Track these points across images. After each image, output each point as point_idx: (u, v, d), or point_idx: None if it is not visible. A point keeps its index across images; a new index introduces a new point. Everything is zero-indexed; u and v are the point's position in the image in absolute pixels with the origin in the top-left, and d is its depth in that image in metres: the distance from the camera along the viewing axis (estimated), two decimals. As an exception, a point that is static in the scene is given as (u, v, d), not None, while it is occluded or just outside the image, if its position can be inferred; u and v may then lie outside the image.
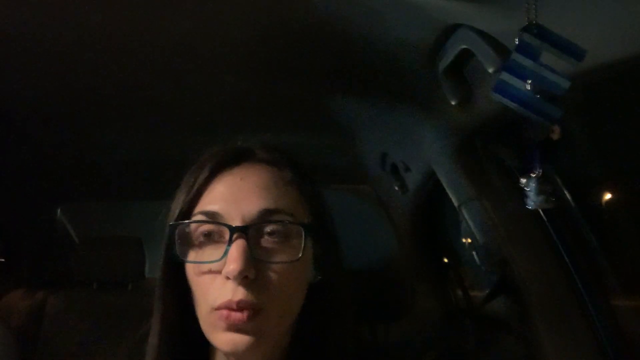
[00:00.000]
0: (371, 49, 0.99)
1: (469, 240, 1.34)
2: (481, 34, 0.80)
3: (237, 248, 0.60)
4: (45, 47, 0.99)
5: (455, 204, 1.23)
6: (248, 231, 0.61)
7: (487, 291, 1.33)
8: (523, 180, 0.68)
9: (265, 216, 0.63)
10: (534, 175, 0.67)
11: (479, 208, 1.14)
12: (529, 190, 0.67)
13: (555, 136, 0.69)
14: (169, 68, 1.10)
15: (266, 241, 0.63)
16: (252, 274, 0.60)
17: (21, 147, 1.51)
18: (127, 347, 0.73)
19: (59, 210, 2.10)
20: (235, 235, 0.61)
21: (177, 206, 0.67)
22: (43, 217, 2.02)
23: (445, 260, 1.78)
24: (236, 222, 0.62)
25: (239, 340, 0.60)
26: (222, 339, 0.62)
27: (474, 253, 1.28)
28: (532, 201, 0.67)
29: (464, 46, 0.84)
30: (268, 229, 0.63)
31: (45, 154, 1.60)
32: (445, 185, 1.24)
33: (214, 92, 1.25)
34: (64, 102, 1.26)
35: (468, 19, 0.80)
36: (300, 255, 0.62)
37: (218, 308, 0.61)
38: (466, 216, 1.23)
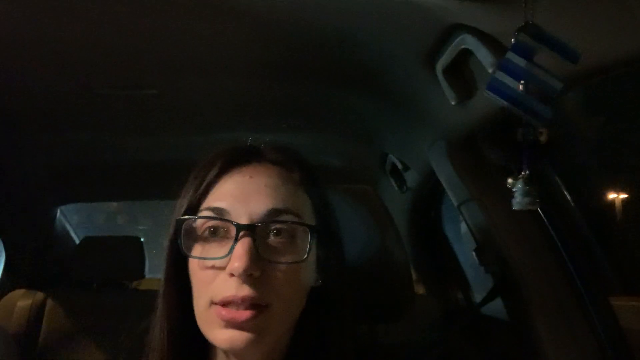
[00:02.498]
0: (371, 49, 0.99)
1: (469, 240, 1.34)
2: (481, 34, 0.80)
3: (242, 246, 0.60)
4: (45, 47, 0.99)
5: (455, 204, 1.24)
6: (255, 230, 0.62)
7: (486, 291, 1.33)
8: (510, 181, 0.68)
9: (273, 215, 0.63)
10: (520, 177, 0.67)
11: (479, 208, 1.14)
12: (515, 191, 0.68)
13: (543, 138, 0.70)
14: (169, 69, 1.10)
15: (272, 240, 0.63)
16: (257, 272, 0.60)
17: (21, 147, 1.51)
18: (127, 346, 0.72)
19: (59, 210, 2.10)
20: (241, 233, 0.61)
21: (183, 202, 0.67)
22: (43, 217, 2.02)
23: (445, 260, 1.78)
24: (243, 220, 0.62)
25: (238, 337, 0.60)
26: (220, 336, 0.61)
27: (473, 253, 1.28)
28: (518, 202, 0.68)
29: (464, 46, 0.84)
30: (275, 228, 0.63)
31: (45, 154, 1.60)
32: (445, 185, 1.24)
33: (215, 92, 1.25)
34: (64, 102, 1.26)
35: (468, 19, 0.80)
36: (305, 256, 0.62)
37: (219, 302, 0.61)
38: (466, 216, 1.23)
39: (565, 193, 1.14)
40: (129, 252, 1.83)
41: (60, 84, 1.16)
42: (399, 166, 1.53)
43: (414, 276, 1.69)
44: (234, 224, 0.62)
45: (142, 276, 1.82)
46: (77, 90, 1.19)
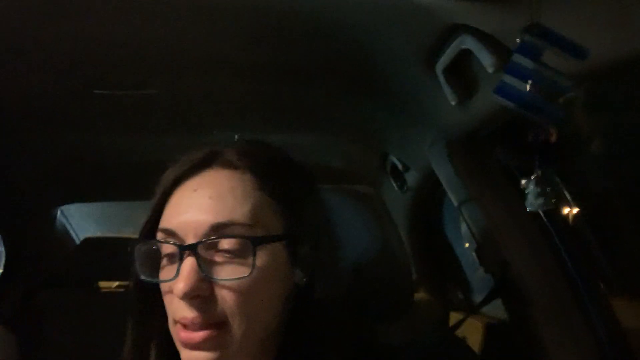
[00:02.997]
0: (371, 49, 0.99)
1: (469, 240, 1.34)
2: (481, 34, 0.80)
3: (185, 267, 0.59)
4: (45, 47, 0.99)
5: (455, 204, 1.23)
6: (196, 249, 0.60)
7: (486, 291, 1.33)
8: (523, 182, 0.68)
9: (217, 231, 0.60)
10: (533, 178, 0.67)
11: (479, 208, 1.14)
12: (528, 193, 0.67)
13: (553, 138, 0.69)
14: (169, 69, 1.10)
15: (219, 256, 0.61)
16: (204, 292, 0.59)
17: (21, 147, 1.51)
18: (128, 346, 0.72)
19: (59, 210, 2.10)
20: (185, 254, 0.60)
21: (143, 227, 0.67)
22: (43, 217, 2.02)
23: (445, 260, 1.78)
24: (189, 238, 0.61)
25: (198, 357, 0.60)
26: (184, 356, 0.61)
27: (473, 253, 1.28)
28: (531, 203, 0.67)
29: (464, 46, 0.84)
30: (219, 244, 0.61)
31: (45, 154, 1.60)
32: (445, 185, 1.24)
33: (215, 92, 1.25)
34: (64, 102, 1.26)
35: (468, 19, 0.80)
36: (248, 273, 0.59)
37: (177, 322, 0.61)
38: (466, 216, 1.23)
39: (566, 193, 1.14)
40: (129, 252, 1.82)
41: (60, 84, 1.16)
42: (399, 166, 1.53)
43: (414, 276, 1.69)
44: (177, 245, 0.61)
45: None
46: (77, 90, 1.19)
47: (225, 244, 0.60)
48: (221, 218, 0.61)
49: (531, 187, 0.66)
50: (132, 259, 0.65)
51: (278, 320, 0.64)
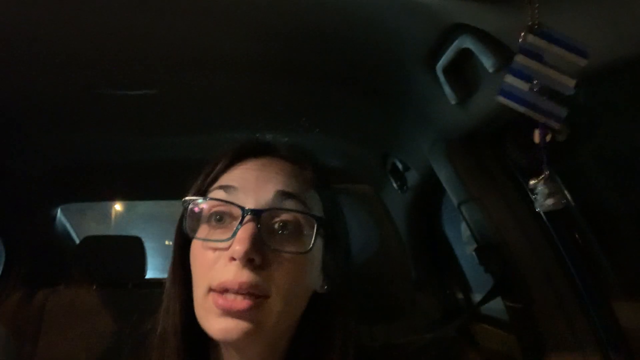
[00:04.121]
0: (371, 49, 0.99)
1: (469, 240, 1.34)
2: (481, 33, 0.80)
3: (246, 230, 0.59)
4: (45, 47, 0.99)
5: (455, 203, 1.23)
6: (260, 215, 0.60)
7: (486, 291, 1.33)
8: (531, 183, 0.67)
9: (280, 199, 0.61)
10: (541, 178, 0.66)
11: (479, 208, 1.14)
12: (536, 194, 0.66)
13: (562, 137, 0.69)
14: (169, 69, 1.10)
15: (278, 229, 0.61)
16: (258, 259, 0.59)
17: (21, 147, 1.51)
18: (128, 346, 0.72)
19: (59, 210, 2.10)
20: (247, 218, 0.60)
21: (194, 187, 0.66)
22: (43, 217, 2.02)
23: (445, 260, 1.78)
24: (250, 205, 0.61)
25: (234, 327, 0.58)
26: (216, 325, 0.59)
27: (473, 253, 1.28)
28: (541, 204, 0.66)
29: (464, 46, 0.84)
30: (281, 217, 0.61)
31: (45, 154, 1.60)
32: (445, 185, 1.24)
33: (215, 92, 1.25)
34: (64, 102, 1.26)
35: (468, 19, 0.80)
36: (310, 248, 0.60)
37: (216, 288, 0.59)
38: (466, 216, 1.23)
39: (566, 193, 1.14)
40: (129, 252, 1.83)
41: (61, 84, 1.16)
42: (399, 166, 1.53)
43: (414, 276, 1.69)
44: (240, 207, 0.60)
45: (143, 276, 1.82)
46: (77, 90, 1.19)
47: (288, 218, 0.61)
48: (286, 187, 0.62)
49: (540, 188, 0.66)
50: (182, 217, 0.64)
51: (300, 315, 0.65)
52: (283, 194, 0.62)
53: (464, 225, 1.30)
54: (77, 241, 2.20)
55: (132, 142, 1.61)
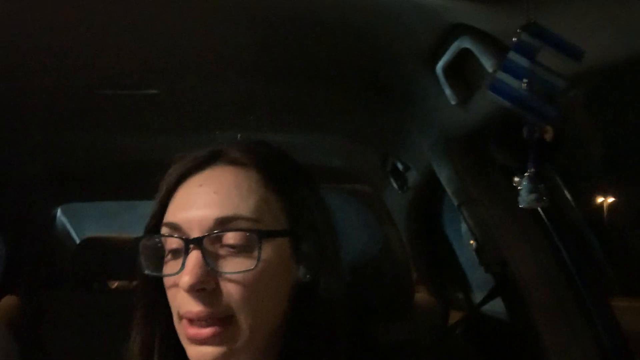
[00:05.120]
0: (371, 49, 0.99)
1: (469, 240, 1.34)
2: (481, 33, 0.80)
3: (190, 260, 0.59)
4: (45, 47, 0.99)
5: (455, 204, 1.24)
6: (202, 242, 0.60)
7: (486, 291, 1.33)
8: (516, 179, 0.68)
9: (222, 225, 0.61)
10: (526, 174, 0.67)
11: (479, 208, 1.14)
12: (521, 189, 0.67)
13: (549, 137, 0.69)
14: (169, 69, 1.10)
15: (224, 250, 0.61)
16: (210, 285, 0.59)
17: (21, 147, 1.51)
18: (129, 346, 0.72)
19: (59, 210, 2.10)
20: (190, 247, 0.60)
21: (146, 226, 0.68)
22: (43, 217, 2.02)
23: (445, 260, 1.78)
24: (194, 232, 0.61)
25: (206, 353, 0.60)
26: (191, 352, 0.61)
27: (473, 253, 1.28)
28: (524, 200, 0.67)
29: (464, 46, 0.84)
30: (224, 240, 0.61)
31: (45, 154, 1.60)
32: (445, 185, 1.24)
33: (215, 92, 1.25)
34: (64, 102, 1.26)
35: (468, 19, 0.80)
36: (254, 266, 0.60)
37: (183, 317, 0.61)
38: (466, 216, 1.23)
39: (566, 193, 1.14)
40: (130, 252, 1.82)
41: (61, 84, 1.16)
42: (399, 166, 1.53)
43: (414, 276, 1.69)
44: (183, 239, 0.61)
45: (142, 276, 1.82)
46: (77, 90, 1.19)
47: (231, 238, 0.61)
48: (226, 212, 0.61)
49: (524, 184, 0.67)
50: (137, 255, 0.65)
51: (283, 316, 0.64)
52: (223, 220, 0.61)
53: (464, 225, 1.30)
54: (77, 241, 2.20)
55: (132, 142, 1.61)
